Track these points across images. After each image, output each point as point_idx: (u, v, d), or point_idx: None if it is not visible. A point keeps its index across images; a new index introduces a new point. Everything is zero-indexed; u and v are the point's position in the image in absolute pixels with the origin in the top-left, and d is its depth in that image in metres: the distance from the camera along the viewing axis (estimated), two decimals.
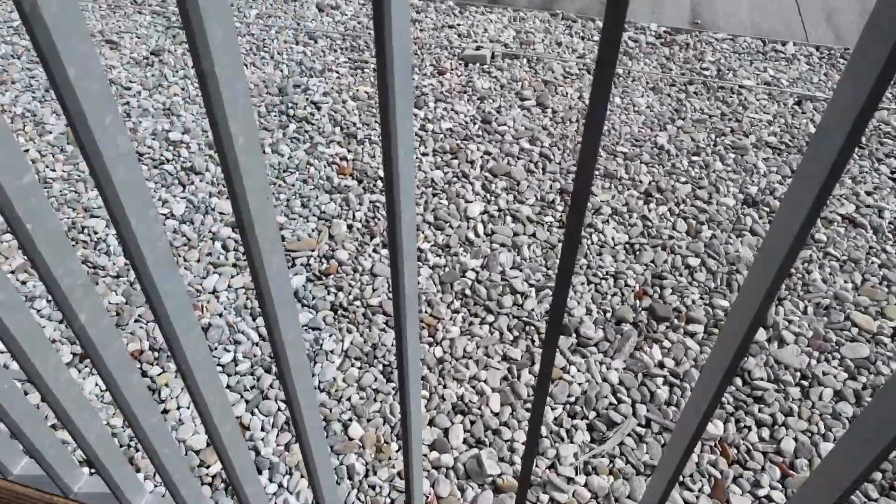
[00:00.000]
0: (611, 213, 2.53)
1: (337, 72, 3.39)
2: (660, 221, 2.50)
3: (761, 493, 1.69)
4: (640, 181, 2.69)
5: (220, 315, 2.13)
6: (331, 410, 1.84)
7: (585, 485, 1.70)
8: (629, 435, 1.81)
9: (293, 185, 2.64)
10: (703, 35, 3.76)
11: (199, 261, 2.32)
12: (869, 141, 2.92)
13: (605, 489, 1.68)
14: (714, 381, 0.64)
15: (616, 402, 1.89)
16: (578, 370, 1.98)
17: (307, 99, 3.15)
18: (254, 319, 2.12)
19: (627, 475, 1.72)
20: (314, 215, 2.51)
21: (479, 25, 3.87)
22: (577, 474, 1.72)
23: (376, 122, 3.03)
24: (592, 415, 1.86)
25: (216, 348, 2.01)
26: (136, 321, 2.10)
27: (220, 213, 2.51)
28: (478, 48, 3.56)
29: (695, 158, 2.81)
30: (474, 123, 3.01)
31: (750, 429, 1.83)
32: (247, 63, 3.45)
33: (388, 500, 1.65)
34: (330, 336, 2.06)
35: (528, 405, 1.88)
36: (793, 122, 3.04)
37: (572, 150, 2.85)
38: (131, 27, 3.76)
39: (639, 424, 1.84)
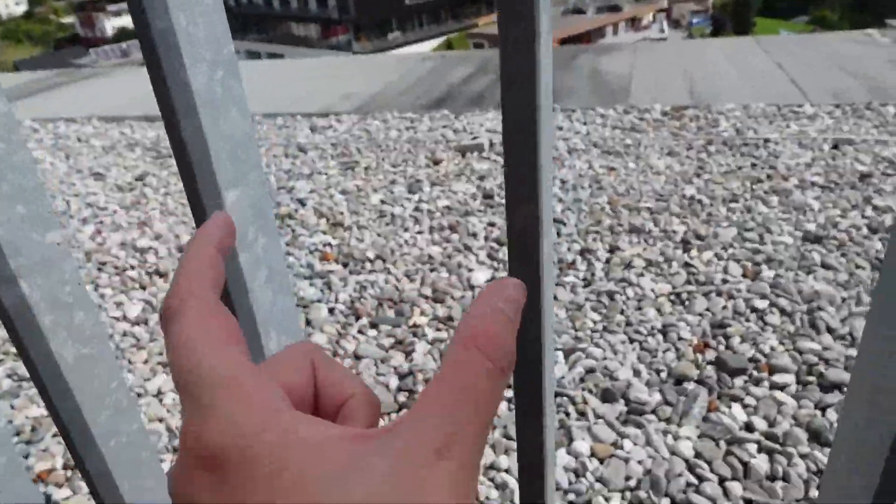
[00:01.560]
0: (645, 265, 2.10)
1: (326, 174, 3.17)
2: (706, 267, 2.05)
3: None
4: (675, 231, 2.27)
5: (161, 419, 1.65)
6: None
7: None
8: None
9: None
10: (714, 107, 3.55)
11: (146, 362, 1.89)
12: None
13: None
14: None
15: (697, 481, 1.32)
16: (635, 444, 1.43)
17: (292, 198, 2.90)
18: None
19: None
20: None
21: (475, 123, 3.72)
22: None
23: (365, 209, 2.73)
24: (666, 502, 1.29)
25: None
26: (53, 436, 1.63)
27: None
28: (474, 139, 3.36)
29: (733, 205, 2.41)
30: (475, 199, 2.70)
31: None
32: None
33: None
34: None
35: (571, 496, 1.32)
36: (834, 164, 2.67)
37: (588, 212, 2.48)
38: (120, 162, 3.67)
39: None
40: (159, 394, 1.75)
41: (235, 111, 0.42)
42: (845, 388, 1.49)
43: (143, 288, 2.29)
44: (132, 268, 2.44)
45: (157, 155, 3.71)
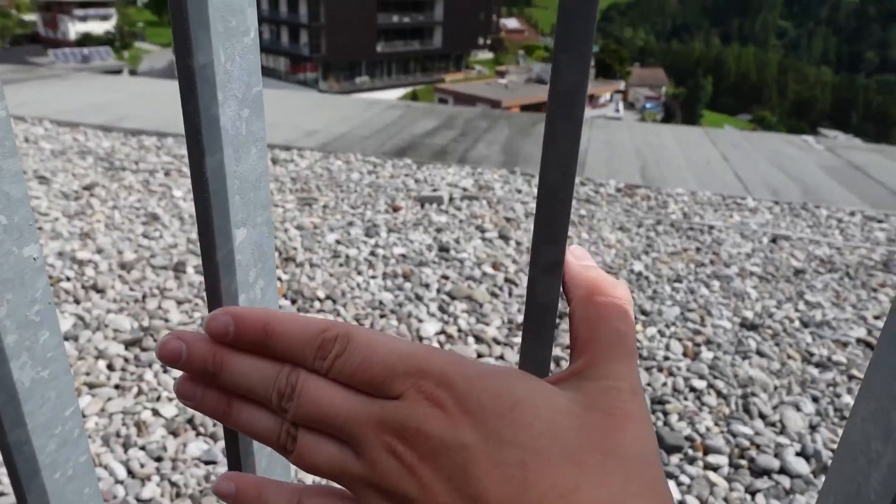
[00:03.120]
0: None
1: (284, 207, 3.14)
2: (649, 342, 2.11)
3: None
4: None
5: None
6: None
7: None
8: None
9: None
10: (664, 189, 3.73)
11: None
12: (857, 273, 2.71)
13: None
14: None
15: None
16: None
17: None
18: (125, 451, 1.54)
19: None
20: None
21: (437, 175, 3.78)
22: None
23: (319, 247, 2.70)
24: None
25: None
26: None
27: (115, 330, 2.02)
28: (434, 191, 3.41)
29: (677, 285, 2.51)
30: (430, 251, 2.72)
31: None
32: (185, 198, 3.19)
33: None
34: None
35: None
36: (773, 256, 2.83)
37: None
38: (69, 168, 3.54)
39: None
40: (82, 416, 1.65)
41: (254, 151, 0.42)
42: (774, 475, 1.54)
43: (77, 302, 2.18)
44: (67, 279, 2.33)
45: (110, 166, 3.60)
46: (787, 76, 75.33)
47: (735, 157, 4.61)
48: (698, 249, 2.87)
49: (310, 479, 1.45)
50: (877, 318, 2.33)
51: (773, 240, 3.02)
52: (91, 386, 1.76)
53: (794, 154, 4.78)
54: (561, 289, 0.44)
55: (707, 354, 2.04)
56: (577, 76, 0.29)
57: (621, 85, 45.51)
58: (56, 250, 2.53)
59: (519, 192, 3.55)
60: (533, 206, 3.32)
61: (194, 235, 2.75)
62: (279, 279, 2.41)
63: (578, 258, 0.26)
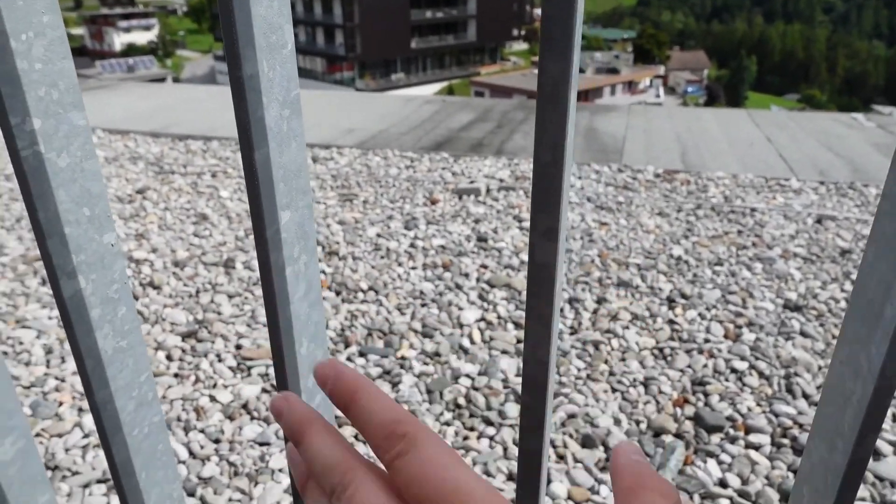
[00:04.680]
0: (630, 318, 2.16)
1: (324, 203, 3.23)
2: (689, 325, 2.11)
3: None
4: (661, 288, 2.34)
5: None
6: None
7: None
8: None
9: (260, 298, 2.31)
10: (704, 173, 3.68)
11: None
12: None
13: None
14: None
15: None
16: (611, 490, 1.46)
17: None
18: (186, 434, 1.64)
19: None
20: None
21: (474, 167, 3.82)
22: None
23: (361, 240, 2.78)
24: None
25: None
26: (37, 435, 1.63)
27: (172, 324, 2.14)
28: (471, 182, 3.45)
29: (718, 268, 2.50)
30: (469, 241, 2.76)
31: None
32: (232, 198, 3.32)
33: None
34: (281, 451, 1.57)
35: None
36: (817, 237, 2.78)
37: (578, 262, 2.55)
38: (122, 173, 3.71)
39: None
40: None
41: (294, 145, 0.48)
42: None
43: (136, 298, 2.31)
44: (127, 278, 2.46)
45: (160, 170, 3.76)
46: (837, 52, 72.39)
47: (779, 139, 4.50)
48: (740, 232, 2.84)
49: None
50: None
51: (818, 220, 2.96)
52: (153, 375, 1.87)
53: (842, 132, 4.63)
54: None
55: (749, 336, 2.03)
56: (558, 72, 0.34)
57: (661, 70, 44.53)
58: None
59: None
60: (569, 194, 3.33)
61: (241, 233, 2.86)
62: (323, 272, 2.49)
63: (628, 452, 0.26)
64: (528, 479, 0.60)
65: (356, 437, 1.56)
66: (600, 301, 2.27)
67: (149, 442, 0.62)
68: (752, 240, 2.75)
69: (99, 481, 1.48)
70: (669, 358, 1.94)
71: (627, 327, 2.11)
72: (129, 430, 0.59)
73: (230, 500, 1.43)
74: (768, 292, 2.31)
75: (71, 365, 1.88)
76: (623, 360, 1.94)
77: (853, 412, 0.39)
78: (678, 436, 1.63)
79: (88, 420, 1.66)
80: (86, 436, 1.63)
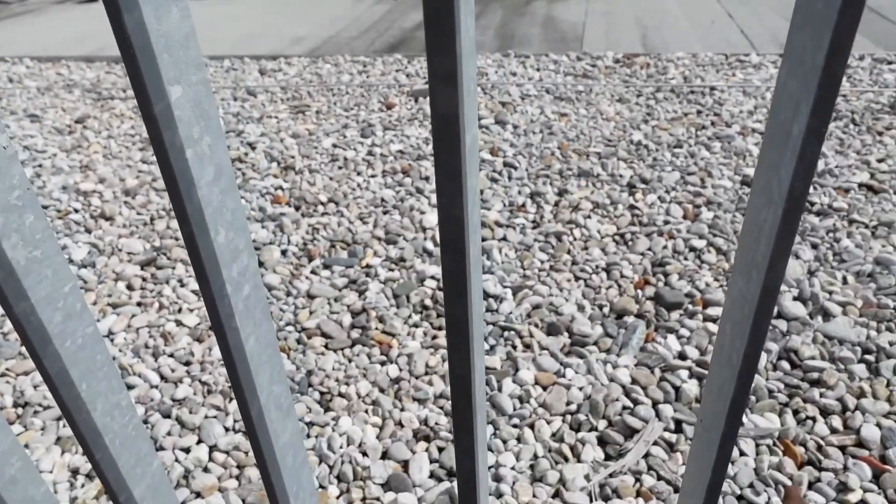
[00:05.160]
0: (592, 207, 2.16)
1: (276, 117, 3.11)
2: (649, 209, 2.12)
3: (853, 498, 1.19)
4: (621, 175, 2.34)
5: (113, 358, 1.65)
6: (246, 454, 1.34)
7: None
8: (655, 443, 1.33)
9: None
10: (664, 55, 3.60)
11: (94, 303, 1.87)
12: (863, 118, 2.64)
13: None
14: (733, 355, 0.47)
15: (632, 405, 1.41)
16: (577, 372, 1.51)
17: (241, 141, 2.84)
18: (156, 359, 1.64)
19: (662, 494, 1.22)
20: None
21: None
22: (592, 501, 1.22)
23: (317, 153, 2.70)
24: (603, 424, 1.38)
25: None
26: (2, 375, 1.62)
27: (129, 253, 2.09)
28: (427, 83, 3.34)
29: (677, 150, 2.49)
30: (427, 144, 2.70)
31: (814, 419, 1.36)
32: None
33: None
34: None
35: (515, 420, 1.40)
36: None
37: (538, 156, 2.52)
38: (58, 103, 3.51)
39: (666, 429, 1.36)
40: (110, 334, 1.75)
41: (176, 11, 0.43)
42: (772, 320, 1.60)
43: (89, 231, 2.24)
44: (76, 211, 2.38)
45: (98, 97, 3.56)
46: None
47: (740, 14, 4.39)
48: (699, 112, 2.82)
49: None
50: (880, 160, 2.30)
51: None
52: (114, 306, 1.85)
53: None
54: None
55: (707, 215, 2.06)
56: None
57: None
58: (59, 184, 2.56)
59: (514, 74, 3.45)
60: (528, 86, 3.25)
61: None
62: (280, 188, 2.43)
63: None
64: (457, 344, 0.60)
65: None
66: (561, 193, 2.27)
67: (85, 353, 0.60)
68: (711, 119, 2.73)
69: None
70: (630, 243, 1.97)
71: (589, 216, 2.11)
72: (61, 341, 0.57)
73: (206, 416, 1.45)
74: (726, 170, 2.32)
75: None
76: (585, 248, 1.96)
77: (766, 240, 0.38)
78: (639, 316, 1.67)
79: None
80: None
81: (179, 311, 1.82)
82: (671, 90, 3.08)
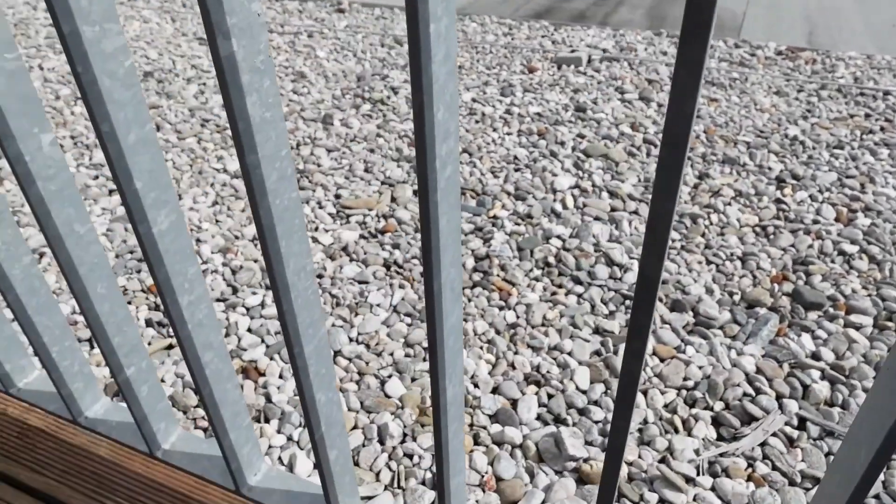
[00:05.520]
0: (734, 195, 2.07)
1: None
2: (798, 206, 2.00)
3: None
4: (770, 168, 2.22)
5: (255, 260, 1.80)
6: (367, 364, 1.42)
7: (713, 488, 1.17)
8: (774, 434, 1.28)
9: (357, 153, 2.36)
10: (833, 53, 3.33)
11: (243, 210, 2.03)
12: None
13: (744, 497, 1.15)
14: None
15: (753, 393, 1.36)
16: (697, 351, 1.47)
17: (385, 85, 2.94)
18: None
19: (776, 484, 1.18)
20: (377, 179, 2.19)
21: (575, 37, 3.62)
22: (699, 474, 1.20)
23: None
24: (720, 406, 1.34)
25: (242, 289, 1.66)
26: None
27: None
28: (572, 52, 3.28)
29: (837, 151, 2.32)
30: (566, 110, 2.67)
31: None
32: (328, 58, 3.32)
33: (429, 475, 1.19)
34: (378, 290, 1.67)
35: None
36: None
37: None
38: None
39: (787, 423, 1.30)
40: (254, 239, 1.89)
41: None
42: None
43: None
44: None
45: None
46: None
47: None
48: (867, 116, 2.60)
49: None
50: None
51: None
52: None
53: None
54: None
55: (863, 221, 1.91)
56: None
57: None
58: (220, 102, 2.77)
59: (664, 53, 3.32)
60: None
61: (338, 92, 2.88)
62: None
63: None
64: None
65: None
66: (702, 177, 2.18)
67: (288, 214, 0.67)
68: (881, 124, 2.51)
69: (218, 300, 1.63)
70: (772, 236, 1.87)
71: (729, 204, 2.02)
72: (273, 198, 0.64)
73: (333, 325, 1.55)
74: (892, 179, 2.14)
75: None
76: (721, 234, 1.89)
77: None
78: (773, 309, 1.60)
79: (205, 249, 1.81)
80: (204, 262, 1.78)
81: (316, 229, 1.93)
82: (838, 89, 2.86)
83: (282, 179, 0.66)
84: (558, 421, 1.30)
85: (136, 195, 0.66)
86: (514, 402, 1.34)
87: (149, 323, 1.55)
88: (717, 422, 1.31)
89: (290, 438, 1.25)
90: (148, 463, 0.93)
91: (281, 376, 1.40)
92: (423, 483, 1.17)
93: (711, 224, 1.94)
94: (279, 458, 1.21)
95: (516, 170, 2.25)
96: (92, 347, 1.47)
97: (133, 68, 0.62)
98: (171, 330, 1.53)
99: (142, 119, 0.65)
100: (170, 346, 1.49)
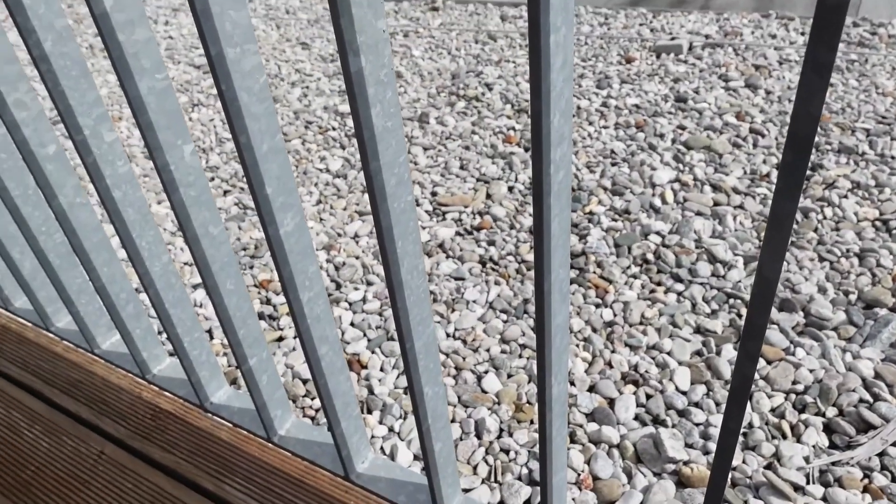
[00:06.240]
0: (851, 187, 1.94)
1: (514, 62, 3.18)
2: None
3: None
4: (893, 157, 2.06)
5: (357, 257, 1.88)
6: (464, 359, 1.47)
7: (824, 498, 1.12)
8: (894, 444, 1.20)
9: (453, 151, 2.40)
10: None
11: (345, 209, 2.13)
12: None
13: None
14: None
15: (871, 400, 1.29)
16: (808, 353, 1.40)
17: (480, 82, 2.97)
18: None
19: (895, 497, 1.11)
20: (473, 176, 2.23)
21: (675, 23, 3.49)
22: (809, 483, 1.15)
23: None
24: (832, 412, 1.28)
25: (345, 285, 1.75)
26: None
27: None
28: (672, 39, 3.17)
29: None
30: (666, 101, 2.59)
31: None
32: (423, 57, 3.39)
33: (525, 471, 1.21)
34: (474, 286, 1.71)
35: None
36: None
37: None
38: (324, 34, 3.93)
39: None
40: (356, 236, 1.98)
41: None
42: None
43: (343, 147, 2.53)
44: (333, 129, 2.69)
45: None
46: None
47: None
48: None
49: None
50: None
51: None
52: (360, 213, 2.09)
53: None
54: None
55: None
56: None
57: None
58: (322, 105, 2.90)
59: (773, 37, 3.14)
60: (788, 50, 2.94)
61: (433, 91, 2.95)
62: (512, 129, 2.51)
63: None
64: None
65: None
66: (815, 168, 2.06)
67: (404, 216, 0.71)
68: None
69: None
70: (894, 231, 1.74)
71: (845, 196, 1.90)
72: (392, 202, 0.68)
73: None
74: None
75: None
76: (836, 229, 1.78)
77: None
78: (894, 310, 1.49)
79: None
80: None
81: None
82: None
83: (399, 184, 0.70)
84: (657, 422, 1.29)
85: (266, 199, 0.72)
86: (611, 402, 1.34)
87: (260, 316, 1.67)
88: (829, 429, 1.25)
89: (391, 429, 1.31)
90: (263, 447, 1.01)
91: (382, 369, 1.47)
92: (520, 478, 1.20)
93: (825, 218, 1.83)
94: (381, 448, 1.28)
95: (613, 164, 2.22)
96: (211, 339, 1.61)
97: (266, 84, 0.68)
98: (279, 323, 1.64)
99: (273, 130, 0.71)
100: (280, 339, 1.60)
